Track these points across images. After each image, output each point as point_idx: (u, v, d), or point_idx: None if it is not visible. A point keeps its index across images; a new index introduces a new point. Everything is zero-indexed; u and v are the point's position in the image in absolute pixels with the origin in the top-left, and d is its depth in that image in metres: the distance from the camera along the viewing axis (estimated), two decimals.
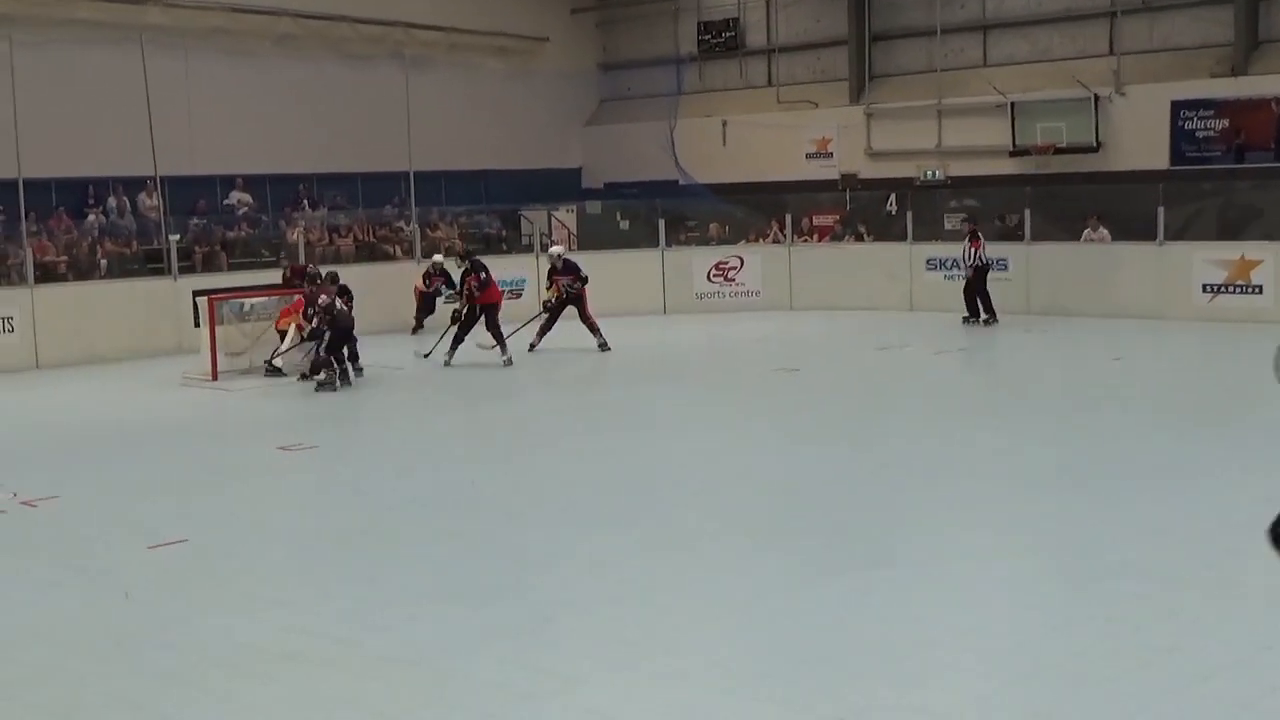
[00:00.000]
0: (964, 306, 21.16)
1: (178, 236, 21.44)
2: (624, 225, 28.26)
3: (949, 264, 22.79)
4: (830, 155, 29.06)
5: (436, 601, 7.88)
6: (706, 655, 6.90)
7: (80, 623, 7.68)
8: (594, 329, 18.95)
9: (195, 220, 24.01)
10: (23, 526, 10.05)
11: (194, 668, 6.90)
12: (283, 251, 23.52)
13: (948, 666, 6.61)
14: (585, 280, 19.09)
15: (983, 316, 21.06)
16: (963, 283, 21.40)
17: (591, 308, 19.08)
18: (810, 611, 7.54)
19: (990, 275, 21.20)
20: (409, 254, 23.93)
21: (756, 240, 26.18)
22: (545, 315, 19.12)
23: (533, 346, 18.69)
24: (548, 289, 19.32)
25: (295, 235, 23.29)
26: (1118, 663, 6.59)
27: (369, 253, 25.07)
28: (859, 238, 25.71)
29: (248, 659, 7.02)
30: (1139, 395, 14.84)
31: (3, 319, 18.68)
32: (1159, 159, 24.78)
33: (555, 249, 20.57)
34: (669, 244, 24.51)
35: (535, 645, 7.10)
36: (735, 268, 23.82)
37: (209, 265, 22.66)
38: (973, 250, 21.27)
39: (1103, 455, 11.53)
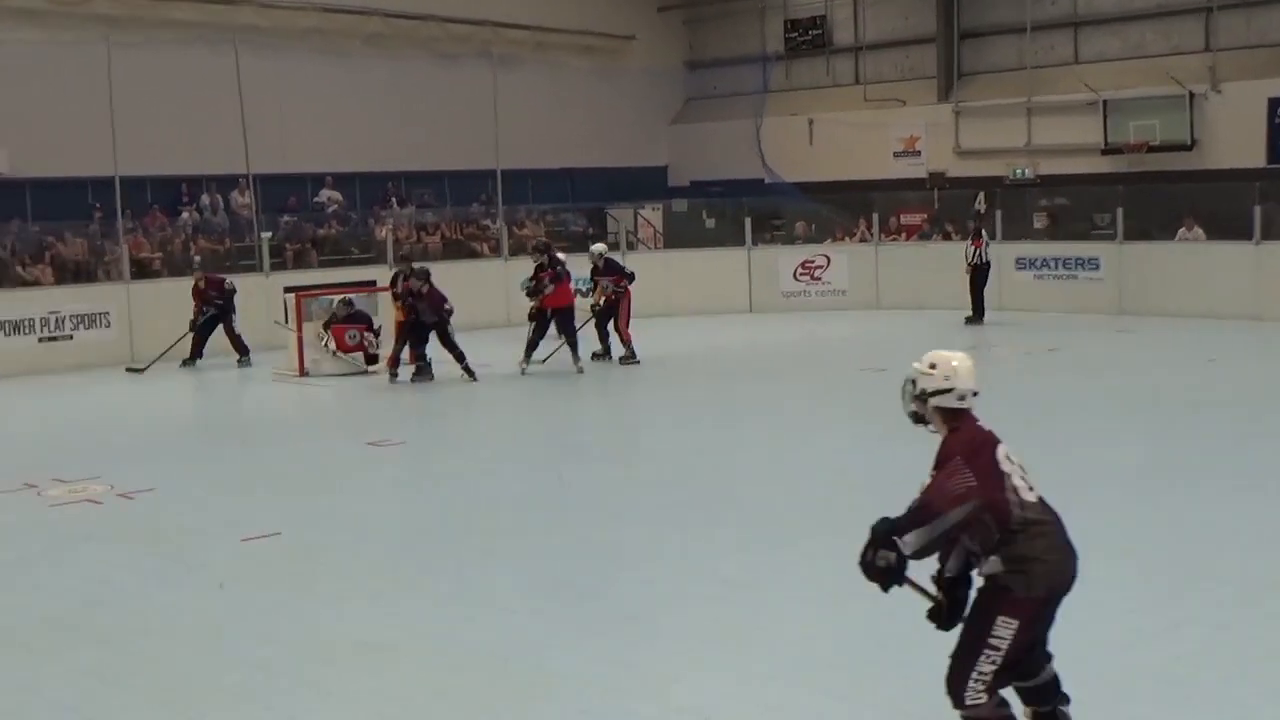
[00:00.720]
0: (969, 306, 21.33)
1: (269, 234, 21.73)
2: (710, 223, 28.23)
3: (1038, 263, 22.56)
4: (918, 153, 28.86)
5: (530, 597, 7.92)
6: (800, 655, 6.88)
7: (180, 613, 7.81)
8: (625, 339, 17.68)
9: (286, 218, 24.34)
10: (120, 518, 10.23)
11: (290, 659, 7.00)
12: (372, 249, 23.77)
13: None
14: (632, 278, 17.92)
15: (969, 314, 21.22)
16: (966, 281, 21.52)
17: (629, 315, 17.81)
18: (904, 614, 7.48)
19: (987, 275, 21.26)
20: (495, 251, 24.07)
21: (843, 239, 26.04)
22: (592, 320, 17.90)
23: (590, 357, 17.55)
24: (590, 291, 18.28)
25: (384, 233, 23.51)
26: (1218, 669, 6.50)
27: (456, 250, 25.23)
28: (946, 236, 25.50)
29: (341, 651, 7.11)
30: (1234, 398, 14.56)
31: (99, 314, 19.04)
32: (1255, 157, 24.32)
33: (597, 246, 18.98)
34: (755, 242, 24.44)
35: (629, 642, 7.12)
36: (821, 266, 23.71)
37: (300, 262, 22.95)
38: (974, 249, 21.34)
39: (1197, 458, 11.36)
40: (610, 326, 17.77)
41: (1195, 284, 21.08)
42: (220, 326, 18.43)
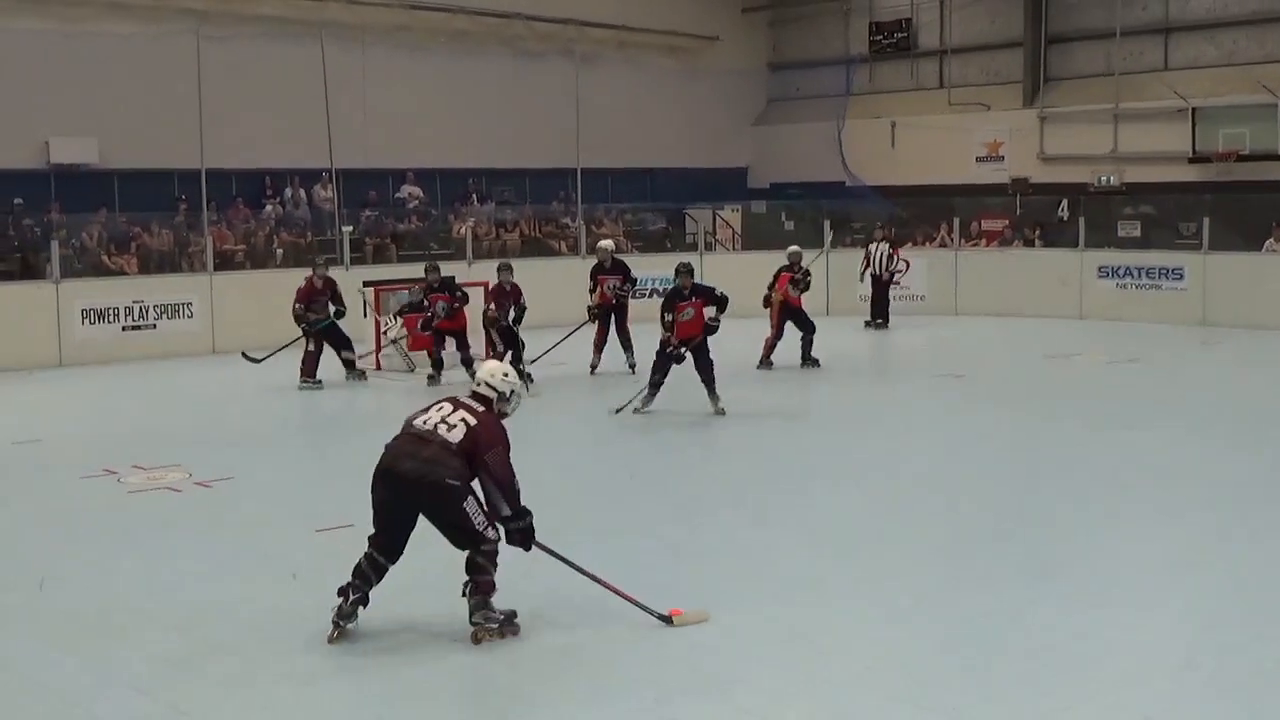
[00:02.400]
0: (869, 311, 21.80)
1: (350, 228, 21.91)
2: (789, 225, 28.12)
3: (1121, 271, 22.27)
4: (1001, 159, 28.60)
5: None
6: (866, 660, 6.84)
7: (252, 602, 7.88)
8: (627, 344, 16.72)
9: (367, 212, 24.55)
10: (197, 506, 10.36)
11: (361, 649, 7.05)
12: (451, 245, 23.91)
13: (1111, 682, 6.46)
14: (635, 283, 17.15)
15: (876, 320, 21.53)
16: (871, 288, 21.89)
17: (633, 318, 17.01)
18: (972, 620, 7.42)
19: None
20: (574, 250, 24.12)
21: (923, 243, 25.86)
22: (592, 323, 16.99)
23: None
24: (591, 291, 17.02)
25: (463, 229, 23.65)
26: None
27: (535, 248, 25.32)
28: (1029, 243, 25.23)
29: (410, 642, 7.16)
30: None
31: (182, 305, 19.30)
32: None
33: (605, 243, 17.85)
34: (834, 245, 24.32)
35: (692, 641, 7.10)
36: (901, 271, 23.50)
37: (379, 257, 23.15)
38: (893, 256, 21.70)
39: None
40: (613, 330, 16.82)
41: None
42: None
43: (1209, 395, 15.48)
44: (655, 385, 13.77)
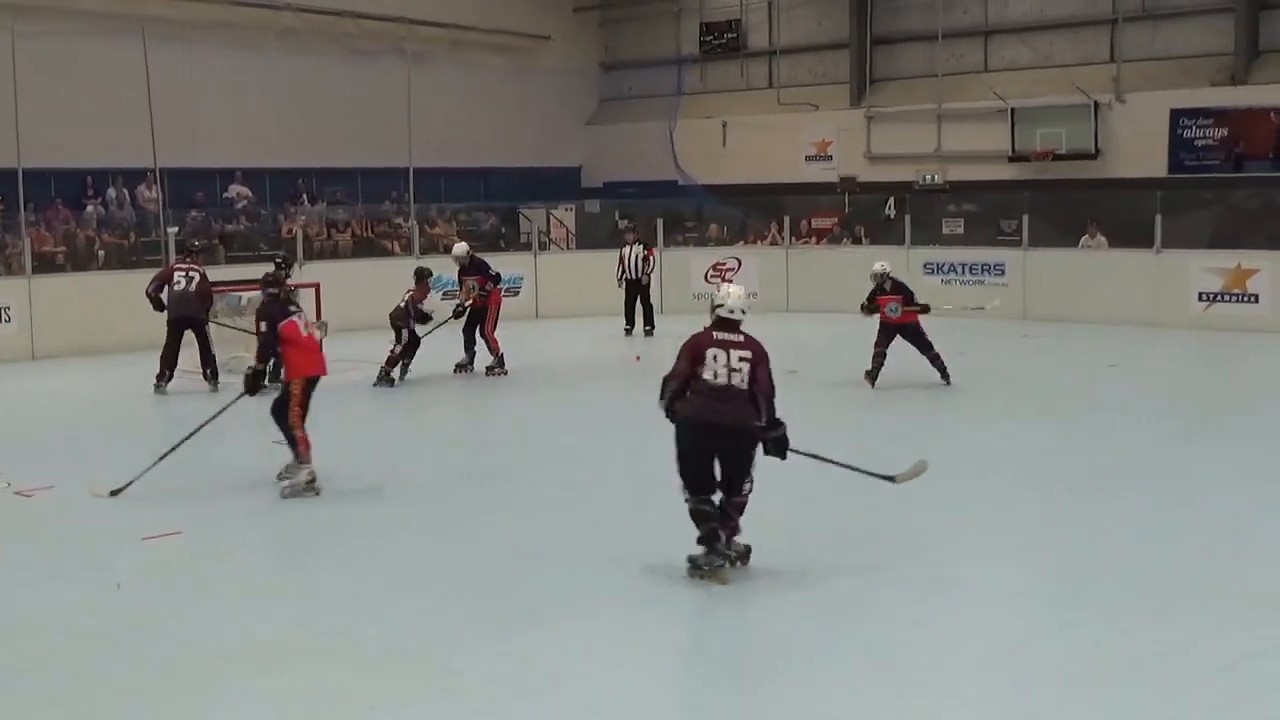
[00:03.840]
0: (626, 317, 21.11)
1: (176, 229, 21.43)
2: (622, 224, 28.27)
3: (945, 268, 22.86)
4: (830, 158, 29.12)
5: (435, 595, 7.90)
6: (696, 654, 6.93)
7: (76, 613, 7.69)
8: (492, 346, 16.74)
9: (194, 213, 24.03)
10: (18, 516, 10.07)
11: (190, 659, 6.93)
12: (281, 246, 23.50)
13: (944, 670, 6.66)
14: (497, 280, 17.04)
15: (645, 326, 21.03)
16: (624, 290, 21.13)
17: (496, 320, 16.88)
18: (818, 613, 7.57)
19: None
20: (407, 250, 23.92)
21: (754, 242, 26.24)
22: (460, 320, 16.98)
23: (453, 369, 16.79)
24: (457, 292, 17.42)
25: (293, 229, 23.30)
26: (1113, 665, 6.65)
27: (367, 248, 25.07)
28: (857, 241, 25.75)
29: (243, 651, 7.05)
30: (1133, 402, 14.85)
31: (0, 309, 18.68)
32: (1157, 167, 24.83)
33: (459, 246, 17.79)
34: (667, 244, 24.53)
35: (534, 640, 7.13)
36: (732, 269, 23.82)
37: (207, 259, 22.63)
38: (648, 257, 21.16)
39: (1098, 460, 11.56)
40: (477, 333, 16.78)
41: (1098, 291, 21.49)
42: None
43: (1023, 388, 16.01)
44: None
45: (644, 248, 21.40)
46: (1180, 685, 6.40)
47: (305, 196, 26.32)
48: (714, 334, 8.03)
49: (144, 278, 16.82)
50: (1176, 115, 24.77)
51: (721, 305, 8.14)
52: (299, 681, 6.61)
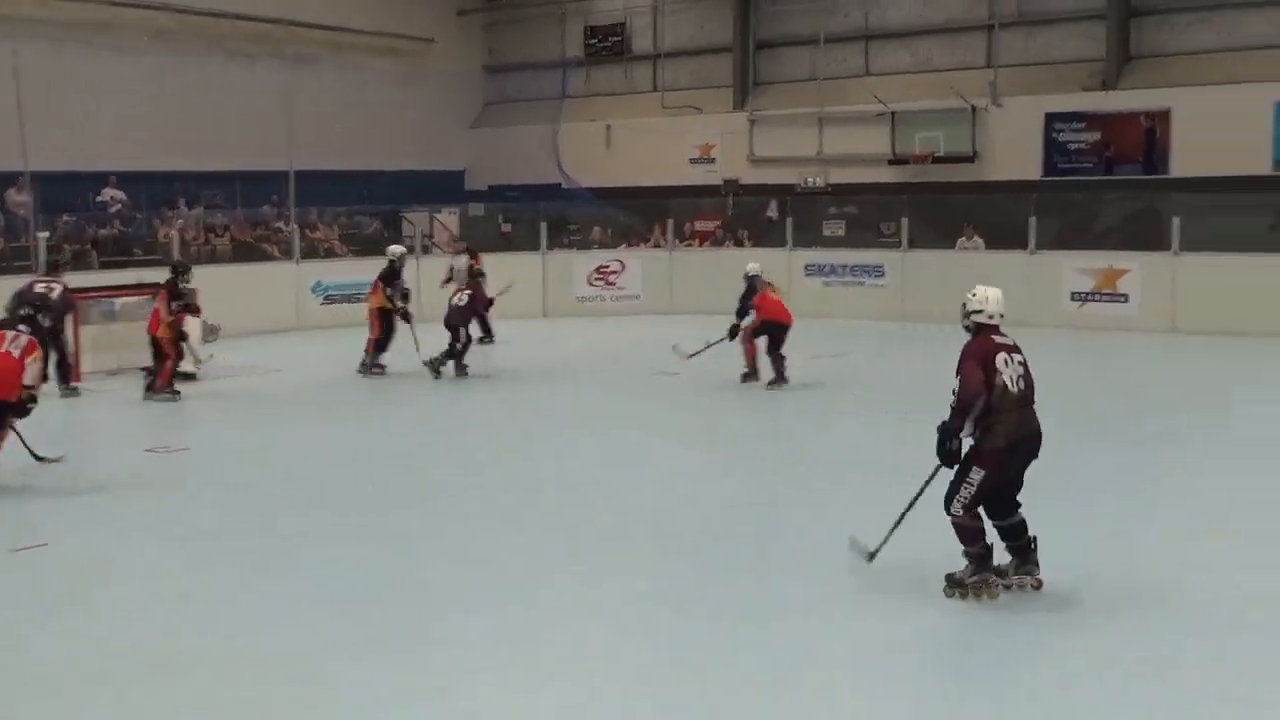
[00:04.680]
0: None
1: (46, 234, 20.91)
2: (506, 228, 28.27)
3: (826, 270, 23.11)
4: (713, 161, 29.29)
5: (314, 603, 7.82)
6: (580, 659, 6.92)
7: None
8: (371, 349, 17.22)
9: (66, 217, 23.48)
10: None
11: (60, 673, 6.79)
12: (157, 251, 23.09)
13: (814, 666, 6.73)
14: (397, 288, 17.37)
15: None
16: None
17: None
18: (697, 614, 7.61)
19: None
20: (287, 254, 23.62)
21: (638, 245, 26.32)
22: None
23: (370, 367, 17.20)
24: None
25: (169, 234, 22.90)
26: (977, 660, 6.75)
27: (246, 253, 24.70)
28: (739, 243, 25.93)
29: (117, 662, 6.92)
30: None
31: None
32: (1032, 169, 25.34)
33: (395, 249, 18.20)
34: (551, 247, 24.52)
35: (413, 648, 7.09)
36: (616, 271, 23.91)
37: (79, 264, 22.10)
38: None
39: None
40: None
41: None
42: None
43: (896, 387, 16.25)
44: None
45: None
46: (1060, 680, 6.53)
47: (182, 200, 25.85)
48: (994, 339, 7.64)
49: (12, 284, 16.41)
50: (1051, 119, 25.29)
51: (980, 311, 7.76)
52: (171, 693, 6.50)
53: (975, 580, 7.50)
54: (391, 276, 17.42)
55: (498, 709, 6.30)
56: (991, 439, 7.39)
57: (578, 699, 6.38)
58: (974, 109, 25.76)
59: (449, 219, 28.87)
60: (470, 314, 17.14)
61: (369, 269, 18.80)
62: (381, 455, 12.58)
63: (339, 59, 28.72)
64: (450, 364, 16.76)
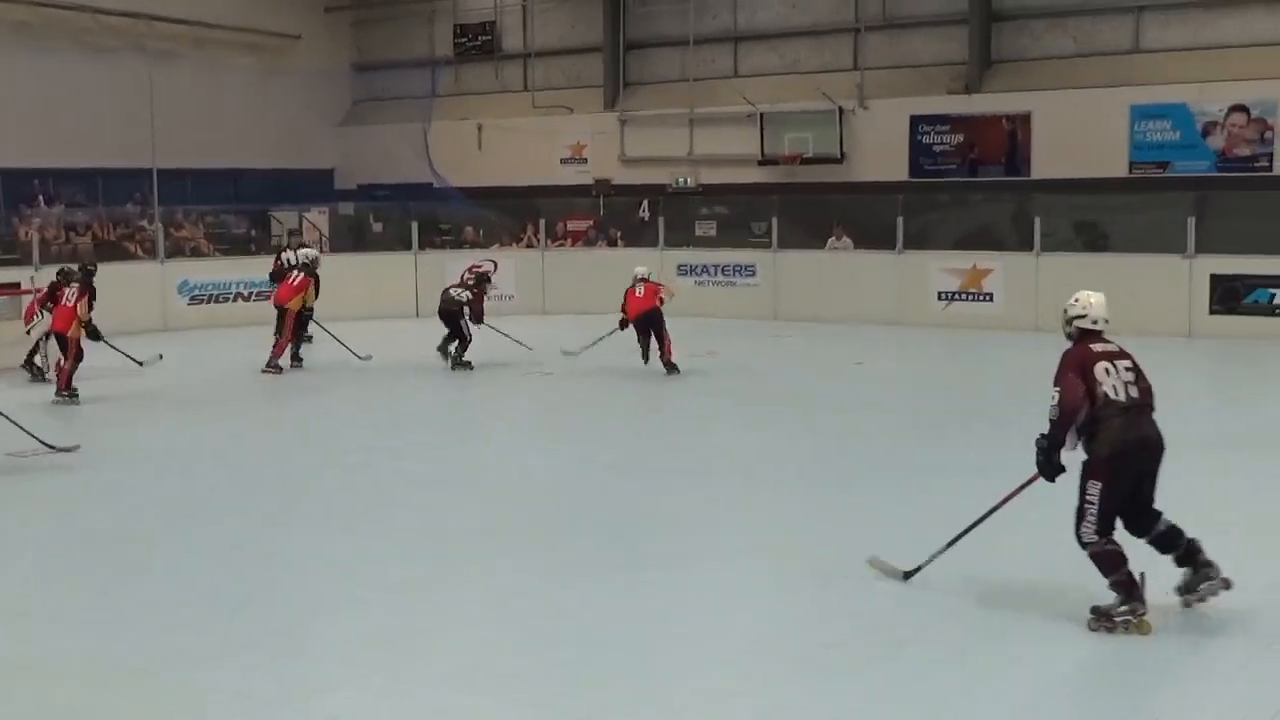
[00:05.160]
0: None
1: None
2: (377, 228, 28.04)
3: (699, 270, 23.30)
4: (584, 161, 29.33)
5: (182, 609, 7.68)
6: (459, 657, 6.90)
7: None
8: (278, 352, 17.23)
9: None
10: None
11: None
12: (16, 250, 22.51)
13: (692, 665, 6.77)
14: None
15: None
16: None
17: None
18: (566, 612, 7.62)
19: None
20: (151, 253, 23.16)
21: (510, 244, 26.27)
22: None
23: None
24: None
25: (29, 233, 22.33)
26: (860, 654, 6.88)
27: (109, 252, 24.15)
28: (612, 243, 26.01)
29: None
30: (878, 398, 15.41)
31: None
32: (899, 171, 25.77)
33: (305, 251, 18.64)
34: (422, 247, 24.36)
35: (282, 652, 7.00)
36: (489, 271, 23.76)
37: None
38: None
39: (846, 455, 11.94)
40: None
41: (844, 291, 22.19)
42: None
43: (775, 386, 16.45)
44: None
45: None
46: (921, 670, 6.67)
47: (42, 198, 25.24)
48: (1092, 348, 7.26)
49: None
50: (916, 121, 25.74)
51: (1083, 316, 7.41)
52: (36, 702, 6.35)
53: (1124, 611, 7.01)
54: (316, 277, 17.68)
55: (369, 712, 6.24)
56: (1096, 448, 7.10)
57: (448, 700, 6.35)
58: (841, 111, 26.10)
59: (319, 218, 28.53)
60: (465, 314, 17.45)
61: (237, 269, 18.66)
62: (252, 456, 12.40)
63: (202, 55, 28.20)
64: (454, 352, 17.23)
